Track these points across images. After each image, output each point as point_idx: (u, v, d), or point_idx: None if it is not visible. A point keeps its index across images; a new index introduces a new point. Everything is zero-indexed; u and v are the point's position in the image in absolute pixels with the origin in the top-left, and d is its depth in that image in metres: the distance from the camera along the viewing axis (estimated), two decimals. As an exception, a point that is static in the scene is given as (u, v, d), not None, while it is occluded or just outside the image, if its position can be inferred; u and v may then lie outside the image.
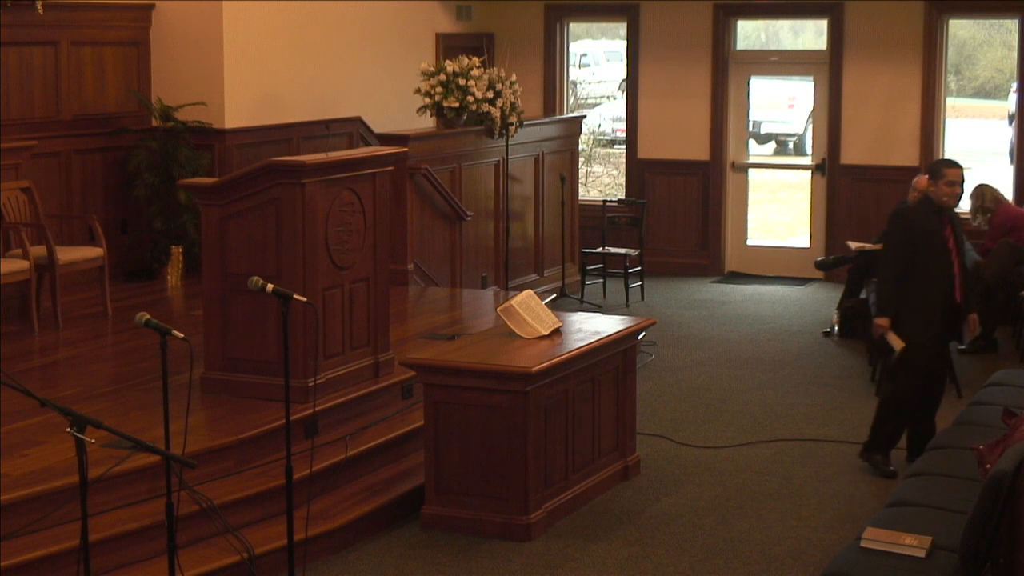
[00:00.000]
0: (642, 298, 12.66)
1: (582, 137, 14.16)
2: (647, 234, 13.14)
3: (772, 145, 19.24)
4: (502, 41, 14.08)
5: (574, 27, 14.93)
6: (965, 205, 11.52)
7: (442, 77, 11.33)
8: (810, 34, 15.70)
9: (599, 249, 12.84)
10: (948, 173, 7.64)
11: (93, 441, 4.40)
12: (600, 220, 13.01)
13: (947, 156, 13.27)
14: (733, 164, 13.87)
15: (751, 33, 15.63)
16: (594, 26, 18.26)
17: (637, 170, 14.10)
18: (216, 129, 10.88)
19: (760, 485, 7.61)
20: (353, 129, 12.19)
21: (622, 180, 14.87)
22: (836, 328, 11.15)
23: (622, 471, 7.63)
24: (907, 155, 13.02)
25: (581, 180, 14.81)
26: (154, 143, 10.65)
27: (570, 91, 14.92)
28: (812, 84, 13.78)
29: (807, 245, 13.78)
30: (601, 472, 7.41)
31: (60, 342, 8.80)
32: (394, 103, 12.38)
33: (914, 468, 6.36)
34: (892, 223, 7.90)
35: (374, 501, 6.87)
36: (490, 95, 11.47)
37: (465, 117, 11.46)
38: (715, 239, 13.86)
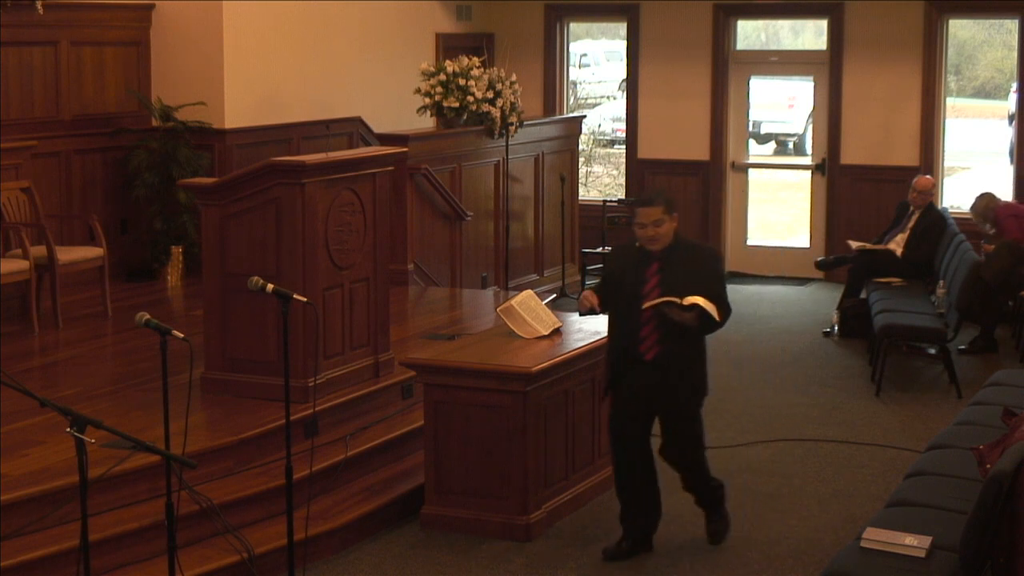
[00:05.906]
0: (642, 298, 12.63)
1: (582, 137, 14.15)
2: (647, 234, 13.11)
3: (772, 145, 19.23)
4: (502, 41, 14.07)
5: (574, 27, 14.92)
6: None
7: (442, 77, 11.33)
8: (810, 34, 15.70)
9: (599, 249, 12.82)
10: (636, 212, 6.32)
11: (93, 441, 4.40)
12: (600, 220, 13.01)
13: (945, 156, 13.30)
14: (733, 164, 13.86)
15: (751, 33, 15.63)
16: (594, 26, 18.25)
17: (637, 170, 14.09)
18: (216, 129, 10.87)
19: (760, 485, 7.60)
20: (353, 129, 12.18)
21: (622, 180, 14.86)
22: (836, 328, 11.14)
23: (622, 471, 7.61)
24: (907, 155, 13.01)
25: (581, 180, 14.80)
26: (154, 143, 10.65)
27: (570, 91, 14.91)
28: (812, 84, 13.77)
29: (807, 245, 13.77)
30: (601, 472, 7.39)
31: (60, 342, 8.79)
32: (394, 103, 12.37)
33: (914, 468, 6.35)
34: None
35: (374, 501, 6.87)
36: (490, 95, 11.46)
37: (465, 117, 11.45)
38: (715, 239, 13.83)
